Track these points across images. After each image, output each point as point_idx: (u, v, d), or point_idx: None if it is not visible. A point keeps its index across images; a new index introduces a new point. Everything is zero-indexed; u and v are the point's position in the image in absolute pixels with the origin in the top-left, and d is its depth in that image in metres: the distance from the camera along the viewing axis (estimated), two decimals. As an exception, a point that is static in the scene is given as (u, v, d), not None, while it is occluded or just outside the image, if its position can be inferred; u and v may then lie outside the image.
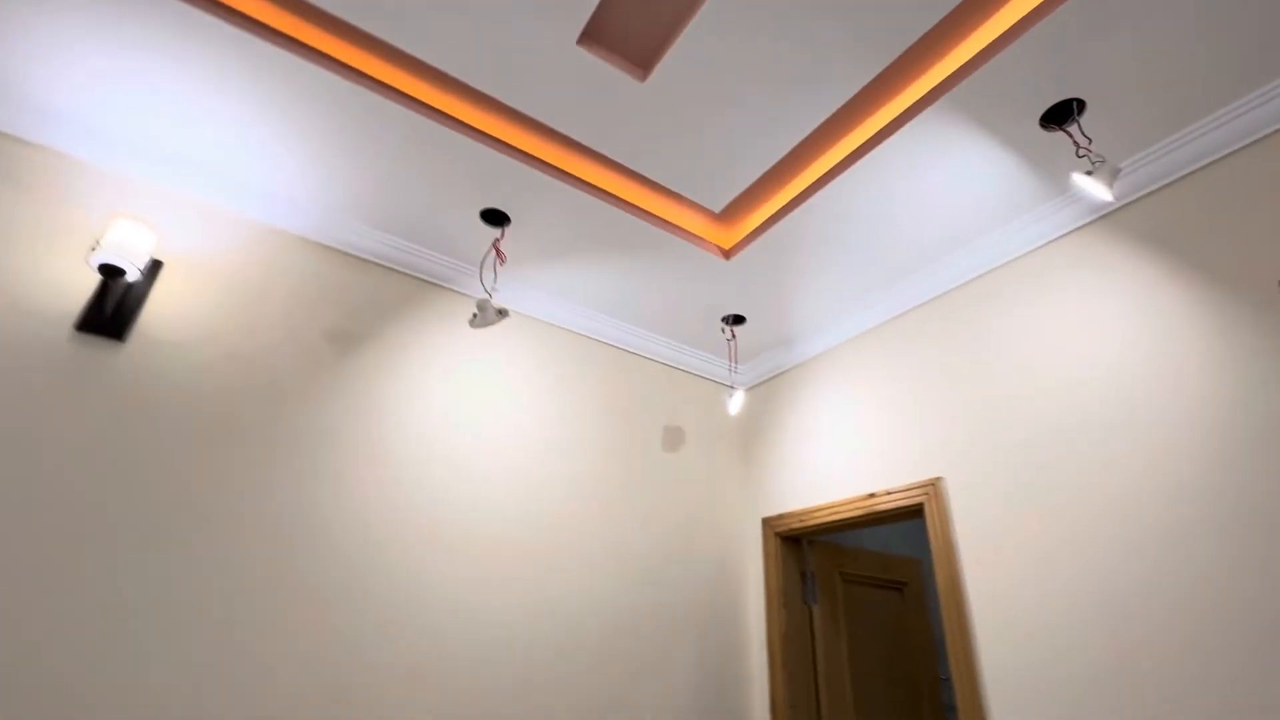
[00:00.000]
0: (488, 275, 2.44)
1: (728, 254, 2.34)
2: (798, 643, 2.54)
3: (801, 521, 2.60)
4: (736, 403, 2.57)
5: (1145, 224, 1.81)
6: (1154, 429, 1.64)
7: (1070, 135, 1.72)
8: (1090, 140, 1.75)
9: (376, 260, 2.29)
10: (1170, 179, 1.78)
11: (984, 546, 1.94)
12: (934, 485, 2.14)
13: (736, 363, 3.08)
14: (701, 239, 2.27)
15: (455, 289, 2.44)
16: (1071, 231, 1.98)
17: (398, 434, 2.11)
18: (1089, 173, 1.57)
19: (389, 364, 2.19)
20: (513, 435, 2.36)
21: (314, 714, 1.71)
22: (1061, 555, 1.75)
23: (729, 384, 3.14)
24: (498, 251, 2.22)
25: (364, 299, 2.22)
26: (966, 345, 2.19)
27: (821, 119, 1.82)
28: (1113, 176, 1.55)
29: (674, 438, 2.83)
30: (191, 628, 1.64)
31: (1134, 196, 1.85)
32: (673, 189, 2.08)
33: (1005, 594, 1.85)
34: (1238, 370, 1.54)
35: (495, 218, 2.16)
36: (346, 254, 2.24)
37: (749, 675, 2.57)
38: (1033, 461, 1.89)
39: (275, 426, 1.91)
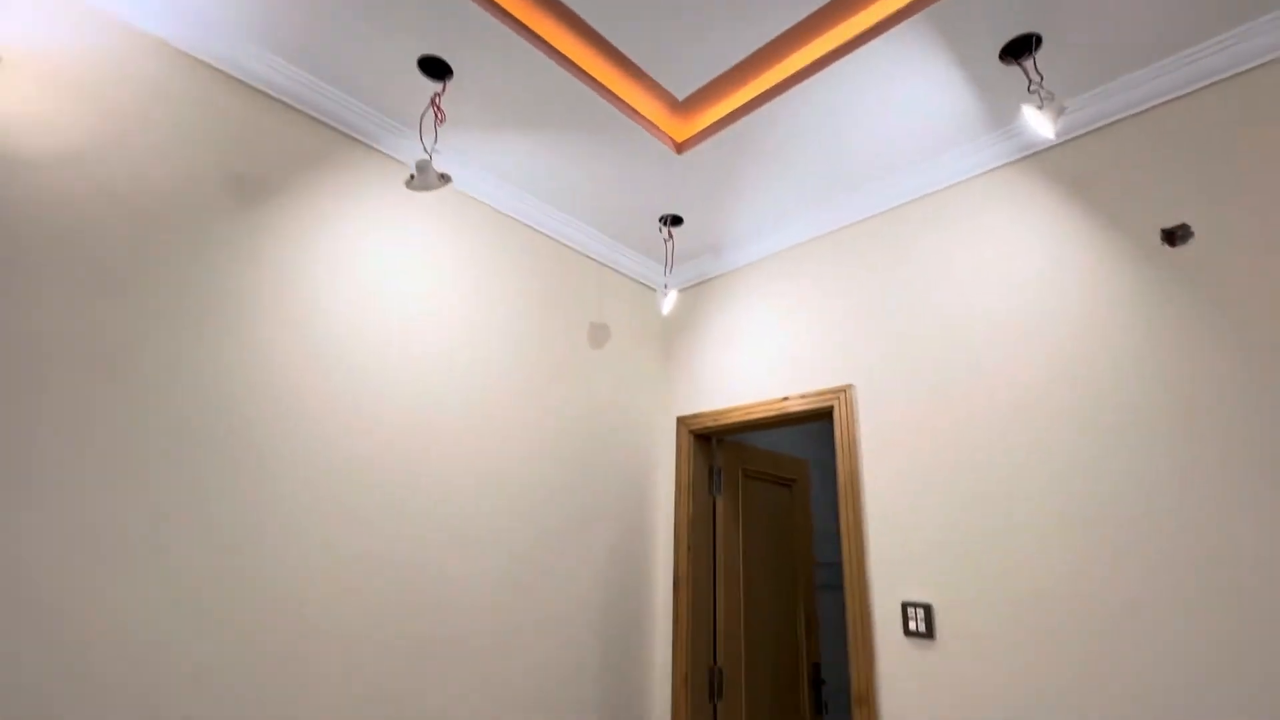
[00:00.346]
0: (427, 135, 2.20)
1: (680, 148, 2.27)
2: (701, 528, 2.76)
3: (715, 421, 2.75)
4: (669, 302, 2.59)
5: (1067, 166, 1.98)
6: (1052, 359, 1.88)
7: (1025, 70, 1.81)
8: (1041, 78, 1.84)
9: (289, 101, 1.96)
10: (1094, 126, 1.94)
11: (884, 449, 2.17)
12: (845, 392, 2.33)
13: (672, 265, 3.07)
14: (657, 128, 2.18)
15: (380, 149, 2.17)
16: (1004, 165, 2.12)
17: (314, 304, 1.92)
18: (1039, 107, 1.67)
19: (302, 225, 1.94)
20: (440, 315, 2.23)
21: (218, 600, 1.62)
22: (953, 464, 2.00)
23: (660, 284, 3.15)
24: (436, 108, 1.99)
25: (272, 145, 1.92)
26: (892, 265, 2.34)
27: (804, 14, 1.76)
28: (1058, 113, 1.66)
29: (599, 334, 2.82)
30: (51, 503, 1.45)
31: (1062, 139, 2.01)
32: (639, 64, 1.95)
33: (898, 492, 2.10)
34: (1129, 308, 1.77)
35: (435, 68, 1.92)
36: (251, 87, 1.90)
37: (654, 553, 2.77)
38: (940, 378, 2.10)
39: (160, 278, 1.66)
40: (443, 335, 2.22)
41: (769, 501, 3.10)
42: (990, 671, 1.76)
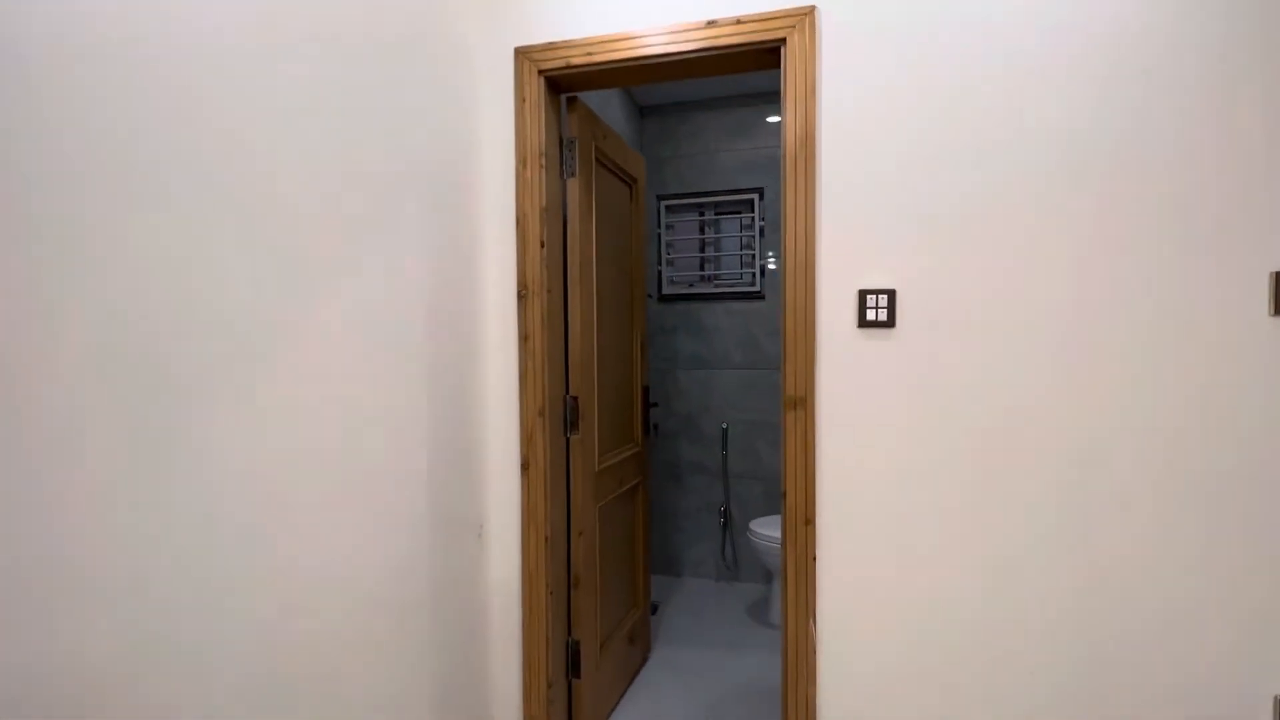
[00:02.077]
0: None
1: None
2: (554, 222, 1.95)
3: (587, 57, 1.80)
4: None
5: None
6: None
7: None
8: None
9: None
10: None
11: (852, 103, 1.61)
12: (805, 16, 1.63)
13: None
14: None
15: None
16: None
17: None
18: None
19: None
20: None
21: None
22: (943, 122, 1.55)
23: None
24: None
25: None
26: None
27: None
28: None
29: None
30: None
31: None
32: None
33: (866, 159, 1.60)
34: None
35: None
36: None
37: (485, 253, 1.90)
38: (934, 9, 1.54)
39: None
40: None
41: (614, 200, 2.40)
42: (953, 357, 1.56)
